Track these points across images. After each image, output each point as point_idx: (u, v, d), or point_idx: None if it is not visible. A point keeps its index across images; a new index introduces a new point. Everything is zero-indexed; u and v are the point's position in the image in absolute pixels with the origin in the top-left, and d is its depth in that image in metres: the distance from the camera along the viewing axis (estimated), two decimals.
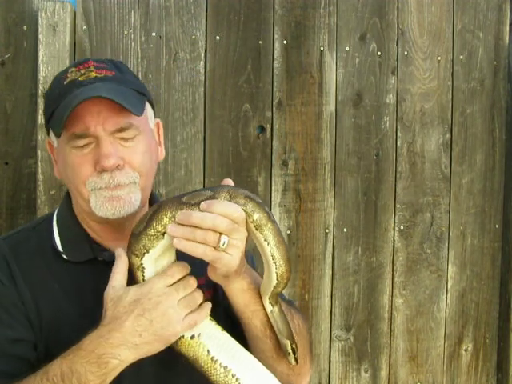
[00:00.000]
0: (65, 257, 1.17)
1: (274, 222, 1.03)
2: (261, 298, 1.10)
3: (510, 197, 2.25)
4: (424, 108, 2.16)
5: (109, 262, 1.13)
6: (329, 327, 2.10)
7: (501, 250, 2.28)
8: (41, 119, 1.74)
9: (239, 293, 1.08)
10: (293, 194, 2.04)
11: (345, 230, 2.10)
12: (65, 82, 1.14)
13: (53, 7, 1.75)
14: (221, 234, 0.96)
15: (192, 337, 1.04)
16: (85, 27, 1.84)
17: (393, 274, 2.16)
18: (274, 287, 1.06)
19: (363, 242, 2.12)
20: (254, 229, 1.00)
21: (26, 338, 1.09)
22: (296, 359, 1.10)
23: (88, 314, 1.11)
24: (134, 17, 1.88)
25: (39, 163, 1.75)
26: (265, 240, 1.01)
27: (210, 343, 1.04)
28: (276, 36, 2.00)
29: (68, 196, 1.25)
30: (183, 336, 1.03)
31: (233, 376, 1.02)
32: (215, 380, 1.03)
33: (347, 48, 2.07)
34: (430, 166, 2.18)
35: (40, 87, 1.74)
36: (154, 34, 1.90)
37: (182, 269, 1.04)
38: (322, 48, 2.05)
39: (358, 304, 2.13)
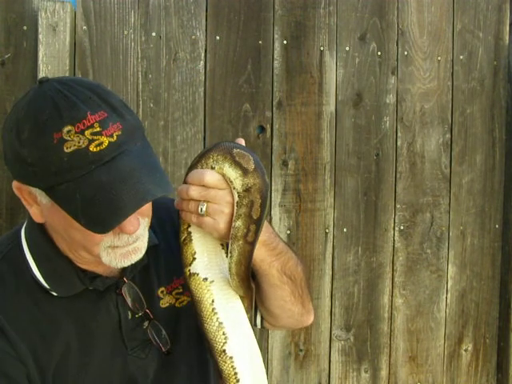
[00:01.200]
0: (53, 293, 1.05)
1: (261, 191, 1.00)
2: (275, 249, 1.10)
3: (510, 197, 2.25)
4: (424, 108, 2.16)
5: (102, 292, 1.08)
6: (329, 327, 2.10)
7: (501, 250, 2.28)
8: None
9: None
10: (293, 194, 2.04)
11: (345, 229, 2.10)
12: (67, 150, 0.91)
13: (53, 7, 1.75)
14: (201, 201, 1.00)
15: (205, 279, 1.06)
16: (85, 27, 1.84)
17: (393, 274, 2.16)
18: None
19: (363, 242, 2.12)
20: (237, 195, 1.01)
21: None
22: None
23: (94, 350, 1.07)
24: (134, 17, 1.88)
25: None
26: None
27: (218, 295, 1.06)
28: (276, 36, 2.00)
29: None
30: (198, 274, 1.06)
31: (223, 334, 1.05)
32: (206, 329, 1.06)
33: (347, 48, 2.07)
34: (430, 166, 2.18)
35: None
36: (153, 34, 1.90)
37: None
38: (322, 48, 2.05)
39: (357, 304, 2.13)
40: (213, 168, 1.01)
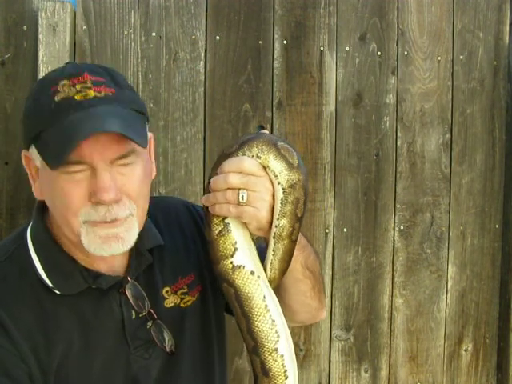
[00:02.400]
0: (57, 292, 1.05)
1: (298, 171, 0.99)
2: (300, 242, 1.07)
3: (510, 197, 2.25)
4: (424, 108, 2.16)
5: (106, 290, 1.08)
6: (329, 327, 2.10)
7: (501, 250, 2.28)
8: None
9: None
10: None
11: (345, 230, 2.10)
12: (56, 98, 0.97)
13: (53, 7, 1.75)
14: (239, 189, 0.96)
15: (252, 273, 1.01)
16: (85, 27, 1.84)
17: (393, 274, 2.16)
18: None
19: (363, 242, 2.12)
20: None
21: None
22: None
23: (96, 349, 1.06)
24: (134, 17, 1.88)
25: None
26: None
27: (267, 291, 1.02)
28: (276, 36, 2.00)
29: (41, 214, 1.10)
30: (244, 266, 1.01)
31: (276, 332, 1.02)
32: (257, 327, 1.02)
33: (347, 48, 2.07)
34: (430, 166, 2.18)
35: None
36: (153, 34, 1.90)
37: None
38: (322, 48, 2.05)
39: (358, 304, 2.13)
40: (258, 157, 0.98)
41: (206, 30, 1.94)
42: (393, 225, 2.15)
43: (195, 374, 1.18)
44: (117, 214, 1.00)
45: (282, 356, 1.03)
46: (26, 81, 1.80)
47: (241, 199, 0.96)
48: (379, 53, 2.10)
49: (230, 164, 0.98)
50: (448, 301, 2.22)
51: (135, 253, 1.13)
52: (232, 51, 1.97)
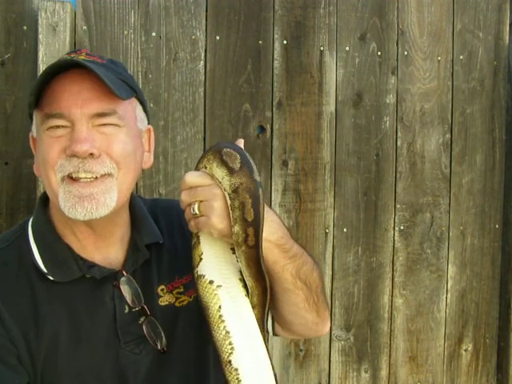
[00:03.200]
0: (51, 278, 1.07)
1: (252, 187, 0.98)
2: (289, 251, 1.06)
3: (510, 197, 2.25)
4: (424, 108, 2.16)
5: (99, 280, 1.09)
6: (329, 327, 2.10)
7: (501, 250, 2.28)
8: None
9: (266, 251, 1.01)
10: (293, 194, 2.04)
11: (345, 229, 2.10)
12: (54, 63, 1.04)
13: (53, 7, 1.75)
14: (192, 202, 0.99)
15: (211, 282, 1.01)
16: (85, 27, 1.84)
17: (393, 274, 2.16)
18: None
19: (363, 242, 2.12)
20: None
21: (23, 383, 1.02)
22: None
23: (85, 339, 1.07)
24: (134, 17, 1.88)
25: None
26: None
27: (226, 301, 1.01)
28: (276, 36, 2.00)
29: (42, 205, 1.13)
30: (204, 276, 1.02)
31: (230, 344, 1.00)
32: (214, 336, 1.01)
33: (347, 48, 2.07)
34: (430, 166, 2.18)
35: None
36: (153, 33, 1.90)
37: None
38: (322, 48, 2.05)
39: (358, 304, 2.13)
40: (206, 167, 1.00)
41: (206, 30, 1.94)
42: (393, 225, 2.15)
43: (187, 374, 1.17)
44: (91, 167, 1.01)
45: (237, 370, 0.99)
46: (26, 81, 1.80)
47: (192, 211, 0.98)
48: (379, 53, 2.10)
49: (181, 183, 1.02)
50: (448, 301, 2.22)
51: (132, 247, 1.14)
52: (232, 51, 1.97)
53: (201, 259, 1.04)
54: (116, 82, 1.03)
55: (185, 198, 1.00)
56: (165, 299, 1.16)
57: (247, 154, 0.99)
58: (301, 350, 2.07)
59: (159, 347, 1.12)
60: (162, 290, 1.17)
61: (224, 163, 0.98)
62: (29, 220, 1.14)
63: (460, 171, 2.21)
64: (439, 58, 2.17)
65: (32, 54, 1.78)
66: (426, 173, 2.17)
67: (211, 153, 1.01)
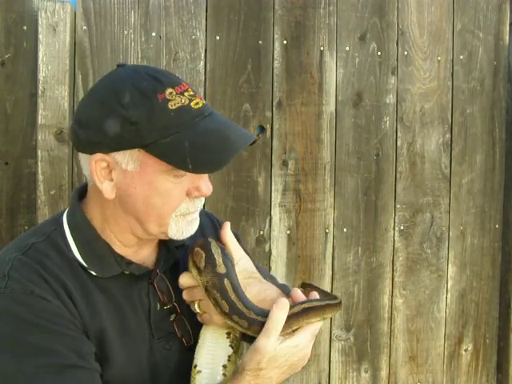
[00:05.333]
0: (93, 273, 1.10)
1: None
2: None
3: (510, 197, 2.25)
4: (424, 108, 2.16)
5: (136, 277, 1.13)
6: (329, 327, 2.10)
7: (501, 250, 2.28)
8: (41, 119, 1.74)
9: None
10: (293, 194, 2.04)
11: (345, 229, 2.10)
12: (169, 106, 1.01)
13: (53, 7, 1.75)
14: (193, 302, 1.12)
15: (199, 372, 1.10)
16: (85, 27, 1.84)
17: (393, 274, 2.16)
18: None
19: (363, 242, 2.12)
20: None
21: (91, 350, 1.04)
22: None
23: (128, 331, 1.11)
24: (134, 17, 1.88)
25: (39, 163, 1.74)
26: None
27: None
28: (276, 36, 2.00)
29: (77, 202, 1.15)
30: (194, 360, 1.11)
31: None
32: None
33: (347, 48, 2.07)
34: (430, 166, 2.18)
35: (40, 87, 1.74)
36: (153, 34, 1.90)
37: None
38: (322, 48, 2.05)
39: (357, 304, 2.13)
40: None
41: (206, 30, 1.94)
42: (393, 225, 2.15)
43: None
44: (202, 203, 1.14)
45: None
46: (26, 81, 1.80)
47: (195, 310, 1.11)
48: (379, 53, 2.10)
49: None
50: (448, 301, 2.22)
51: (164, 248, 1.19)
52: (232, 51, 1.97)
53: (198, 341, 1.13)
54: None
55: (186, 297, 1.12)
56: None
57: (213, 248, 1.08)
58: None
59: (186, 344, 1.17)
60: None
61: (194, 263, 1.08)
62: (62, 214, 1.16)
63: (460, 171, 2.22)
64: (439, 58, 2.17)
65: (32, 54, 1.78)
66: (426, 173, 2.18)
67: (190, 253, 1.11)
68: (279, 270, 2.04)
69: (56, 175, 1.76)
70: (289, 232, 2.04)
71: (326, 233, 2.08)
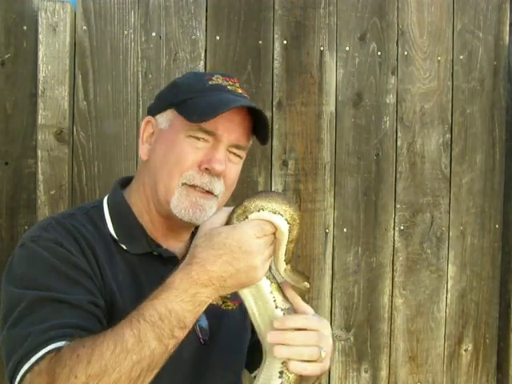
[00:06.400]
0: (123, 246, 1.17)
1: (299, 211, 1.05)
2: None
3: (510, 197, 2.25)
4: (424, 108, 2.16)
5: (164, 258, 1.19)
6: None
7: (501, 250, 2.28)
8: (41, 119, 1.74)
9: None
10: (293, 194, 2.04)
11: (345, 229, 2.10)
12: (209, 83, 1.18)
13: (53, 7, 1.75)
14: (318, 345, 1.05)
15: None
16: (85, 27, 1.84)
17: (393, 274, 2.16)
18: (284, 260, 1.07)
19: (363, 242, 2.12)
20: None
21: (102, 306, 1.09)
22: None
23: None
24: (134, 17, 1.88)
25: (39, 163, 1.74)
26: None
27: None
28: (276, 36, 2.00)
29: (120, 187, 1.25)
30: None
31: None
32: None
33: (347, 48, 2.07)
34: (430, 166, 2.18)
35: (40, 87, 1.74)
36: (153, 34, 1.90)
37: (272, 227, 1.03)
38: (322, 48, 2.05)
39: (358, 304, 2.13)
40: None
41: (206, 30, 1.94)
42: (393, 225, 2.15)
43: (221, 373, 1.23)
44: (213, 187, 1.16)
45: None
46: (26, 81, 1.80)
47: (322, 356, 1.03)
48: (379, 53, 2.10)
49: (307, 322, 1.08)
50: (448, 301, 2.22)
51: (191, 241, 1.21)
52: (232, 51, 1.97)
53: None
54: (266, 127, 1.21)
55: (312, 341, 1.05)
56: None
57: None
58: None
59: (201, 338, 1.19)
60: None
61: None
62: (104, 197, 1.26)
63: (460, 171, 2.21)
64: (439, 58, 2.17)
65: (32, 54, 1.78)
66: (426, 173, 2.18)
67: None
68: None
69: (56, 175, 1.76)
70: None
71: (326, 233, 2.08)
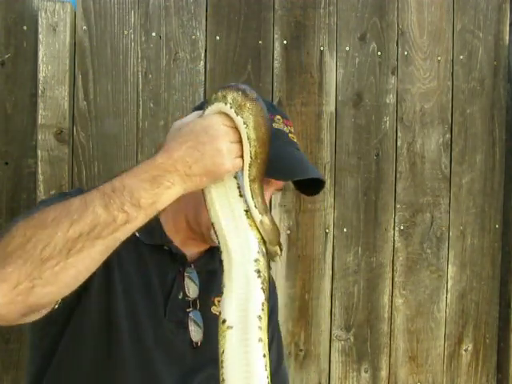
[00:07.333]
0: (136, 233, 1.12)
1: (254, 100, 0.96)
2: None
3: (510, 197, 2.25)
4: (424, 108, 2.16)
5: (173, 254, 1.20)
6: (329, 327, 2.10)
7: (501, 250, 2.28)
8: (41, 119, 1.74)
9: None
10: (293, 194, 2.04)
11: (345, 229, 2.10)
12: (273, 125, 1.17)
13: (53, 7, 1.75)
14: None
15: (229, 327, 0.93)
16: (85, 27, 1.84)
17: (393, 274, 2.16)
18: (249, 166, 0.97)
19: (363, 242, 2.12)
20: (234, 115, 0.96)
21: None
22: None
23: (141, 292, 1.16)
24: (134, 17, 1.88)
25: (39, 163, 1.75)
26: (244, 123, 0.96)
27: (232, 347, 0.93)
28: (276, 36, 2.00)
29: None
30: (225, 320, 0.94)
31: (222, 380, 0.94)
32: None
33: (347, 48, 2.07)
34: (430, 166, 2.18)
35: (40, 87, 1.74)
36: (153, 34, 1.90)
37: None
38: (322, 48, 2.05)
39: (357, 304, 2.13)
40: None
41: (206, 30, 1.94)
42: (393, 225, 2.15)
43: (207, 382, 1.21)
44: None
45: None
46: (26, 81, 1.80)
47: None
48: (379, 53, 2.10)
49: None
50: (448, 301, 2.22)
51: (208, 253, 1.26)
52: (232, 51, 1.97)
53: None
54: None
55: None
56: (217, 309, 1.24)
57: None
58: (301, 350, 2.07)
59: (194, 340, 1.19)
60: (219, 301, 1.24)
61: None
62: None
63: (460, 171, 2.22)
64: (439, 58, 2.17)
65: (32, 54, 1.78)
66: (426, 173, 2.18)
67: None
68: (279, 270, 2.04)
69: (56, 175, 1.76)
70: (289, 232, 2.04)
71: (326, 233, 2.08)
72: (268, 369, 0.94)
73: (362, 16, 2.08)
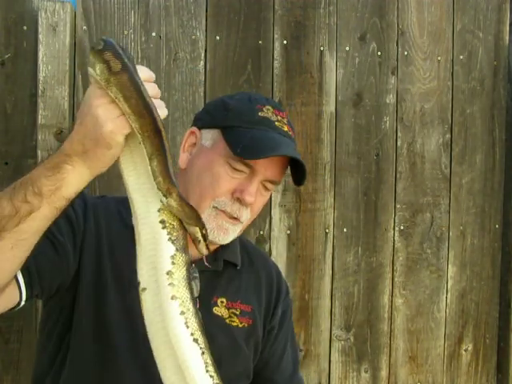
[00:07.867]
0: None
1: (117, 73, 0.87)
2: None
3: (510, 197, 2.25)
4: (424, 108, 2.16)
5: None
6: (329, 327, 2.10)
7: (501, 250, 2.28)
8: (41, 119, 1.74)
9: None
10: (293, 194, 2.04)
11: (345, 229, 2.10)
12: (260, 113, 1.21)
13: (53, 7, 1.75)
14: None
15: (143, 289, 0.89)
16: (85, 27, 1.84)
17: (393, 274, 2.16)
18: (143, 143, 0.91)
19: (363, 242, 2.12)
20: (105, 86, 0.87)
21: (65, 258, 1.12)
22: (207, 246, 0.99)
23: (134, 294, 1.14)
24: (134, 17, 1.88)
25: None
26: (115, 97, 0.87)
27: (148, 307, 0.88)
28: (276, 36, 2.00)
29: None
30: (139, 283, 0.91)
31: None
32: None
33: (347, 48, 2.07)
34: (430, 166, 2.18)
35: (40, 87, 1.74)
36: (153, 34, 1.90)
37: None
38: (322, 48, 2.05)
39: (357, 304, 2.13)
40: None
41: (206, 30, 1.94)
42: (393, 225, 2.15)
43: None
44: (241, 215, 1.20)
45: None
46: (26, 81, 1.80)
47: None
48: (379, 53, 2.10)
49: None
50: (448, 301, 2.22)
51: (212, 254, 1.26)
52: (232, 51, 1.97)
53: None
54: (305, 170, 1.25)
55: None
56: (219, 310, 1.25)
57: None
58: (301, 350, 2.07)
59: None
60: (222, 302, 1.26)
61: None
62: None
63: (460, 171, 2.22)
64: (439, 58, 2.17)
65: (32, 54, 1.78)
66: (426, 173, 2.18)
67: None
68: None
69: None
70: (289, 232, 2.04)
71: (326, 233, 2.08)
72: (192, 325, 0.90)
73: (361, 16, 2.08)
